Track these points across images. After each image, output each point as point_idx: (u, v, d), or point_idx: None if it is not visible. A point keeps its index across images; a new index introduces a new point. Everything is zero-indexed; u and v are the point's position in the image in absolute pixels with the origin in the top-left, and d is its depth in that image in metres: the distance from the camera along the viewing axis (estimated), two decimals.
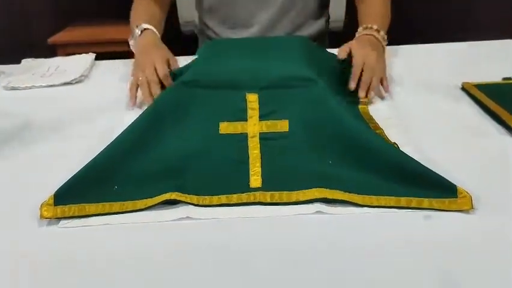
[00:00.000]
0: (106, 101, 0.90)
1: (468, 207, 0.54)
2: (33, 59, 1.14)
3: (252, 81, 0.62)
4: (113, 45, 2.16)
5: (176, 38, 2.45)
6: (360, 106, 0.75)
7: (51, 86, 0.99)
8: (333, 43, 1.25)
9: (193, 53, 1.04)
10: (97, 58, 1.13)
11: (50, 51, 2.22)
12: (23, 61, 1.13)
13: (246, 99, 0.61)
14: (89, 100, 0.92)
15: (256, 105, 0.61)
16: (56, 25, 2.39)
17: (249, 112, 0.61)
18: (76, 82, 1.00)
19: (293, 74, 0.62)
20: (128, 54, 1.11)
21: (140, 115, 0.63)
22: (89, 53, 1.12)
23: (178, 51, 1.14)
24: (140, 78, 0.82)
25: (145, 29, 0.98)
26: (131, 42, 1.00)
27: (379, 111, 0.77)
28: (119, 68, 1.11)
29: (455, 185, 0.55)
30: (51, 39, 2.29)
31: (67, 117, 0.84)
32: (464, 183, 0.56)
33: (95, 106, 0.88)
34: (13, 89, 0.99)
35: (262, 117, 0.61)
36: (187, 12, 2.42)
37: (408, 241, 0.51)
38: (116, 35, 2.25)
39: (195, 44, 1.24)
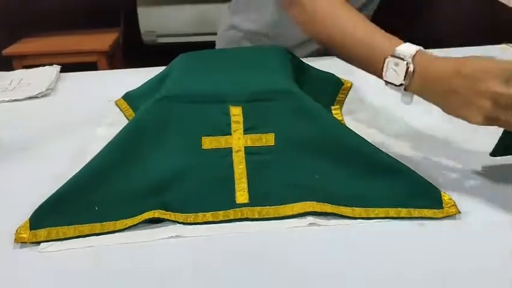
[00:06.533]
0: (75, 115, 0.87)
1: (454, 213, 0.55)
2: None
3: (235, 94, 0.60)
4: (72, 56, 2.11)
5: (136, 47, 2.42)
6: (333, 112, 0.76)
7: (14, 100, 0.94)
8: None
9: (154, 64, 1.02)
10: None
11: (5, 64, 2.14)
12: None
13: (229, 113, 0.60)
14: (57, 114, 0.88)
15: (240, 118, 0.60)
16: (10, 36, 2.30)
17: (233, 126, 0.60)
18: (42, 96, 0.96)
19: (277, 87, 0.61)
20: (88, 65, 1.07)
21: (119, 132, 0.60)
22: (54, 65, 1.08)
23: (138, 62, 1.11)
24: None
25: None
26: None
27: (361, 121, 0.78)
28: (85, 80, 1.07)
29: (440, 195, 0.56)
30: (6, 51, 2.21)
31: (35, 134, 0.80)
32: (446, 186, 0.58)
33: (64, 121, 0.85)
34: None
35: (246, 130, 0.60)
36: (149, 21, 2.40)
37: (404, 248, 0.51)
38: (75, 46, 2.19)
39: (156, 53, 1.21)
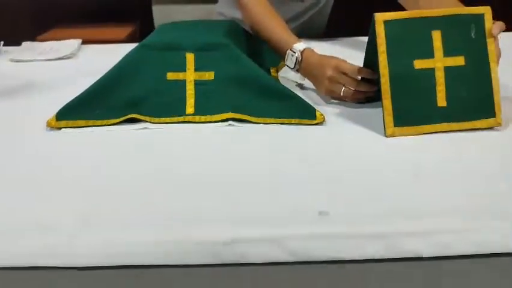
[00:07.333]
0: (92, 70, 1.20)
1: (322, 120, 0.87)
2: (31, 42, 1.45)
3: (190, 45, 0.93)
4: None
5: None
6: (271, 71, 1.08)
7: (48, 60, 1.29)
8: None
9: None
10: None
11: None
12: (23, 43, 1.43)
13: (185, 57, 0.93)
14: (77, 70, 1.22)
15: (192, 61, 0.92)
16: (40, 27, 2.65)
17: (188, 65, 0.92)
18: (67, 58, 1.31)
19: (217, 41, 0.94)
20: None
21: (112, 67, 0.93)
22: (77, 39, 1.43)
23: None
24: None
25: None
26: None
27: (287, 77, 1.10)
28: (103, 50, 1.42)
29: (315, 111, 0.87)
30: (40, 38, 2.57)
31: (60, 79, 1.14)
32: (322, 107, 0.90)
33: (80, 73, 1.18)
34: (18, 61, 1.28)
35: (196, 69, 0.92)
36: (163, 18, 2.75)
37: (285, 143, 0.82)
38: (103, 36, 2.54)
39: None
